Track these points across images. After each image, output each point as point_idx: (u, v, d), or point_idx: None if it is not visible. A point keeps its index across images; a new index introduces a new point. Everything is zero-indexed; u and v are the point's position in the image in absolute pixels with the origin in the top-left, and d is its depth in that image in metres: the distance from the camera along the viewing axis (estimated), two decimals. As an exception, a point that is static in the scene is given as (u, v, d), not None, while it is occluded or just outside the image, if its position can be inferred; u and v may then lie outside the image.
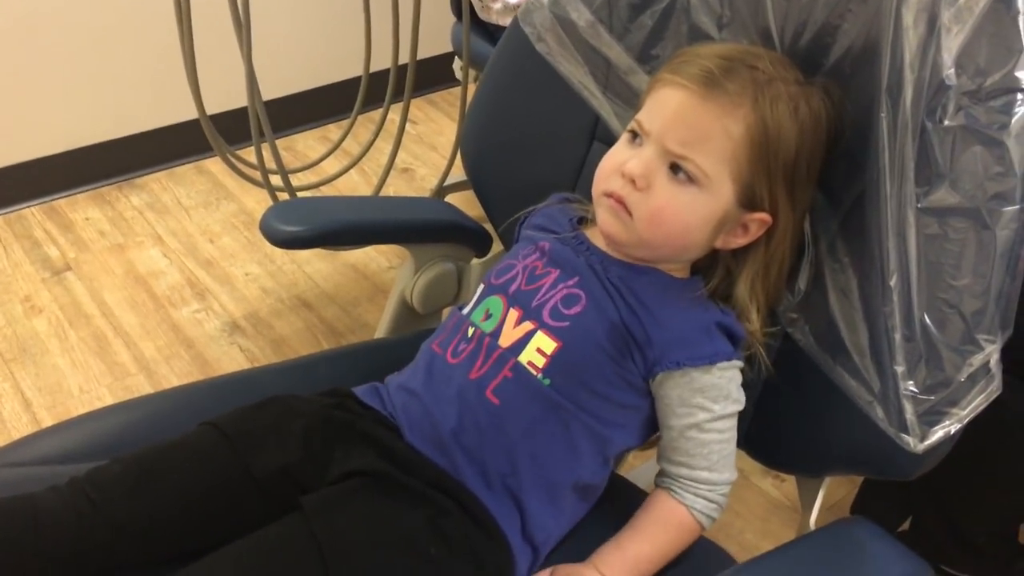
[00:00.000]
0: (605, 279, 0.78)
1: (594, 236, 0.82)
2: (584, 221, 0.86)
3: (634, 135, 0.77)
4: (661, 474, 0.79)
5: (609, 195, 0.76)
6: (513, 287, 0.80)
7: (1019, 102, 0.67)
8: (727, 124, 0.72)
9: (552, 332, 0.76)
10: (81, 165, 2.16)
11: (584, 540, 0.79)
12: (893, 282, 0.71)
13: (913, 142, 0.70)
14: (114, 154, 2.20)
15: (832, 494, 1.46)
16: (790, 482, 1.51)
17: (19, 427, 1.55)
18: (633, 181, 0.74)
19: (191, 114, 1.70)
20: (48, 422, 1.56)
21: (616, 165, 0.76)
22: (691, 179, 0.73)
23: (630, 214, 0.75)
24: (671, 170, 0.73)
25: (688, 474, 0.77)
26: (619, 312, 0.76)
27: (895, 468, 0.76)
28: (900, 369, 0.72)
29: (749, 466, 1.53)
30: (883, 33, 0.70)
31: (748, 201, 0.74)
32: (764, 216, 0.75)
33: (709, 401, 0.75)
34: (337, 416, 0.79)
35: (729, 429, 0.77)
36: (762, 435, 0.86)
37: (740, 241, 0.77)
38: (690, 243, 0.76)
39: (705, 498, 0.77)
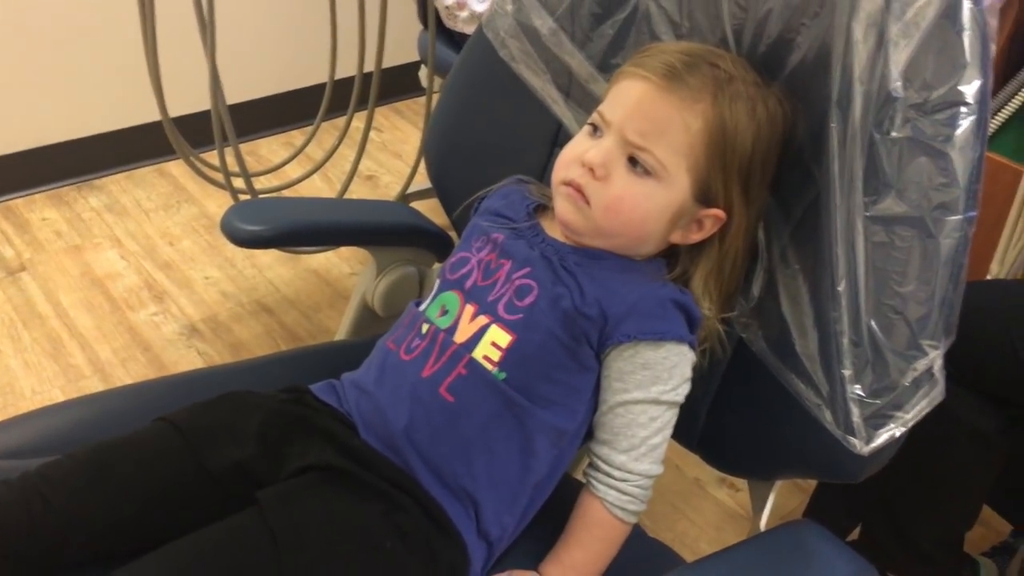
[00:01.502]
0: (559, 267, 0.78)
1: (550, 226, 0.83)
2: (541, 209, 0.86)
3: (595, 128, 0.78)
4: (589, 463, 0.78)
5: (568, 183, 0.77)
6: (469, 282, 0.81)
7: (963, 115, 0.69)
8: (686, 117, 0.73)
9: (507, 325, 0.76)
10: (39, 165, 2.13)
11: (539, 538, 0.80)
12: (842, 288, 0.73)
13: (862, 152, 0.72)
14: (73, 154, 2.17)
15: (784, 504, 1.48)
16: (745, 492, 1.53)
17: (-32, 428, 1.52)
18: (592, 170, 0.75)
19: (153, 116, 1.68)
20: (-2, 423, 1.53)
21: (576, 155, 0.77)
22: (648, 171, 0.74)
23: (588, 203, 0.76)
24: (629, 162, 0.75)
25: (606, 455, 0.76)
26: (572, 299, 0.76)
27: (842, 470, 0.78)
28: (847, 373, 0.74)
29: (705, 475, 1.56)
30: (834, 46, 0.72)
31: (703, 196, 0.76)
32: (718, 212, 0.76)
33: (648, 380, 0.74)
34: (293, 411, 0.79)
35: (660, 419, 0.75)
36: (714, 438, 0.87)
37: (695, 237, 0.78)
38: (646, 234, 0.77)
39: (617, 489, 0.75)
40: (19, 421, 0.84)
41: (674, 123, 0.73)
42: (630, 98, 0.75)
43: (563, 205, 0.78)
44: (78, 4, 2.02)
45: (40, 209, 2.10)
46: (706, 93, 0.74)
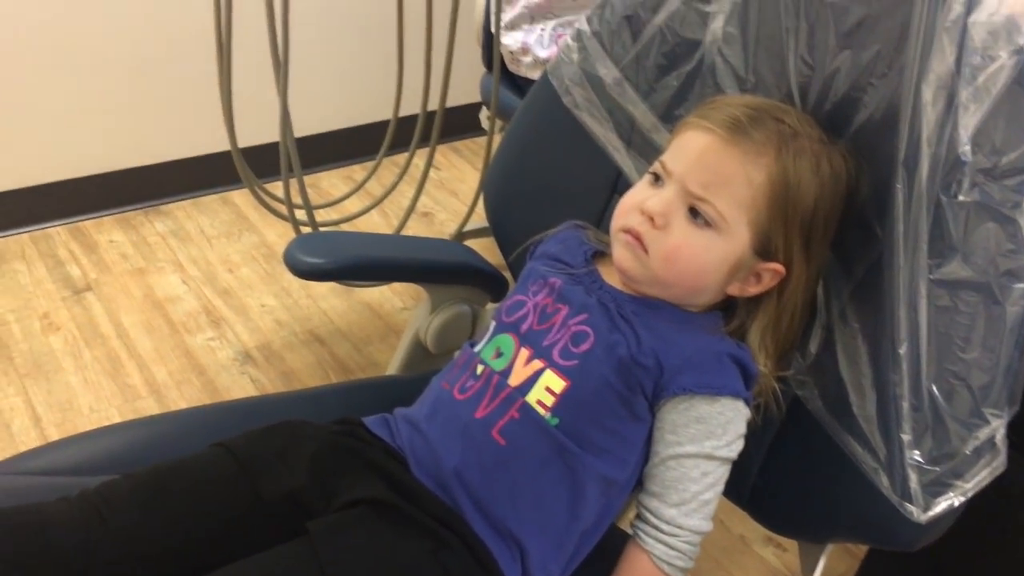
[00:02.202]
0: (617, 314, 0.78)
1: (608, 273, 0.83)
2: (598, 255, 0.87)
3: (656, 177, 0.78)
4: (636, 514, 0.78)
5: (627, 231, 0.77)
6: (525, 326, 0.81)
7: (1033, 182, 0.68)
8: (749, 171, 0.73)
9: (561, 371, 0.76)
10: (109, 189, 2.20)
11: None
12: (903, 351, 0.72)
13: (928, 215, 0.71)
14: (142, 180, 2.24)
15: (834, 567, 1.44)
16: (792, 552, 1.49)
17: (27, 442, 1.56)
18: (652, 219, 0.75)
19: (220, 146, 1.73)
20: (56, 439, 1.57)
21: (636, 203, 0.77)
22: (708, 222, 0.75)
23: (646, 251, 0.76)
24: (690, 212, 0.75)
25: (656, 508, 0.75)
26: (629, 347, 0.76)
27: (898, 538, 0.76)
28: (907, 438, 0.73)
29: (751, 533, 1.53)
30: (903, 107, 0.72)
31: (763, 250, 0.76)
32: (778, 267, 0.76)
33: (702, 434, 0.74)
34: (346, 443, 0.80)
35: (712, 474, 0.75)
36: (765, 496, 0.86)
37: (753, 290, 0.78)
38: (703, 285, 0.78)
39: (666, 544, 0.74)
40: (80, 439, 0.87)
41: (737, 176, 0.74)
42: (693, 150, 0.76)
43: (621, 252, 0.79)
44: (154, 35, 2.10)
45: (108, 231, 2.16)
46: (770, 147, 0.74)
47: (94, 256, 2.07)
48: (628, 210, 0.79)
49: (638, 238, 0.76)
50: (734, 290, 0.78)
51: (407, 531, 0.72)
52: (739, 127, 0.74)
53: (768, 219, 0.74)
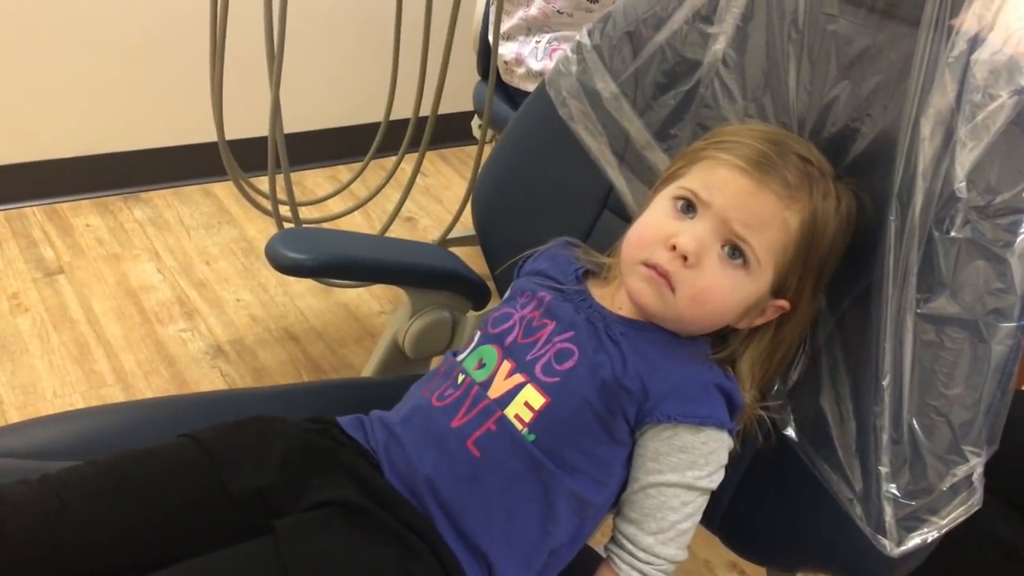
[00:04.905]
0: (604, 335, 0.77)
1: (600, 293, 0.82)
2: (589, 274, 0.85)
3: (688, 206, 0.76)
4: (611, 538, 0.76)
5: (651, 266, 0.75)
6: (509, 339, 0.80)
7: (1025, 223, 0.68)
8: (787, 216, 0.73)
9: (542, 387, 0.75)
10: (89, 172, 2.17)
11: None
12: (886, 383, 0.72)
13: (919, 248, 0.71)
14: (124, 166, 2.21)
15: (796, 597, 1.44)
16: (755, 579, 1.49)
17: (-14, 423, 1.53)
18: (684, 257, 0.73)
19: (205, 137, 1.71)
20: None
21: (663, 236, 0.75)
22: (743, 262, 0.73)
23: (673, 290, 0.74)
24: (722, 249, 0.74)
25: (633, 536, 0.74)
26: (614, 369, 0.74)
27: (869, 570, 0.75)
28: (884, 470, 0.72)
29: (716, 558, 1.52)
30: (900, 140, 0.72)
31: (779, 289, 0.75)
32: (784, 304, 0.76)
33: (684, 464, 0.73)
34: (319, 442, 0.78)
35: (692, 504, 0.74)
36: (738, 523, 0.85)
37: (756, 322, 0.77)
38: (719, 323, 0.77)
39: (640, 572, 0.73)
40: (44, 422, 0.84)
41: (776, 220, 0.73)
42: (729, 187, 0.74)
43: (640, 287, 0.76)
44: (148, 18, 2.08)
45: (85, 215, 2.13)
46: (803, 192, 0.73)
47: (69, 239, 2.03)
48: (652, 243, 0.75)
49: (665, 276, 0.74)
50: (742, 324, 0.78)
51: (375, 535, 0.71)
52: (771, 166, 0.73)
53: (792, 261, 0.74)
